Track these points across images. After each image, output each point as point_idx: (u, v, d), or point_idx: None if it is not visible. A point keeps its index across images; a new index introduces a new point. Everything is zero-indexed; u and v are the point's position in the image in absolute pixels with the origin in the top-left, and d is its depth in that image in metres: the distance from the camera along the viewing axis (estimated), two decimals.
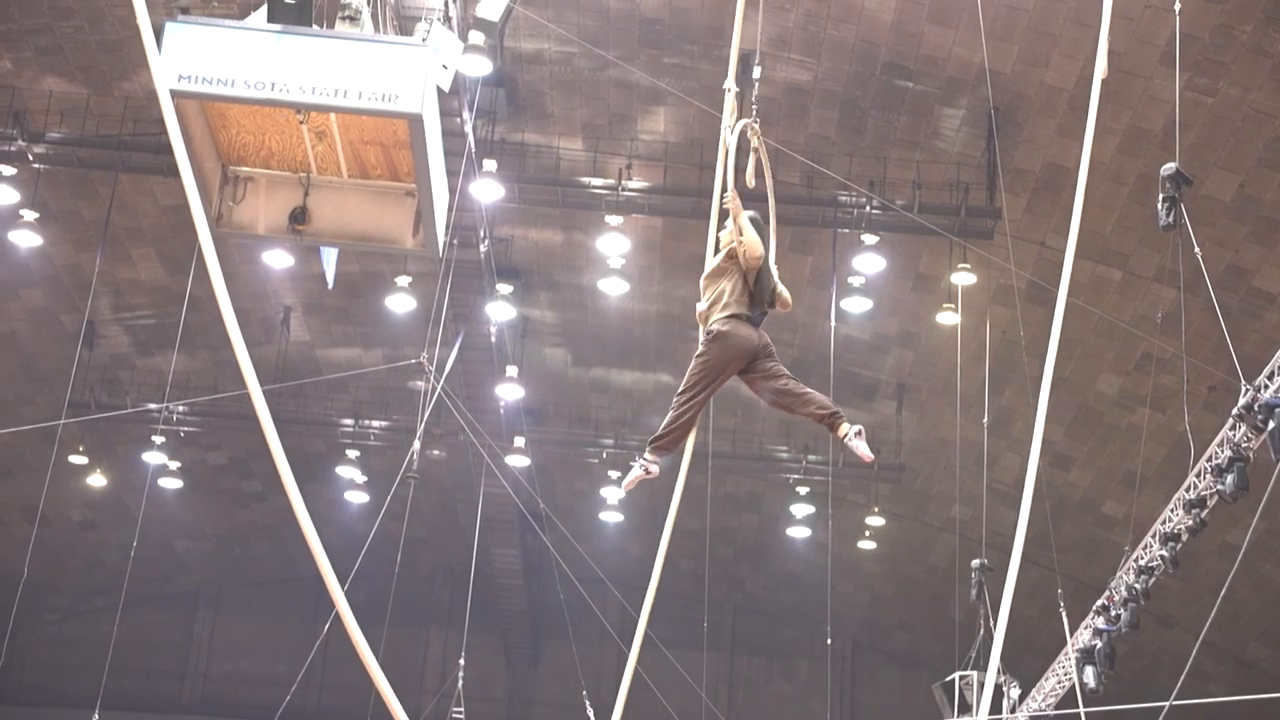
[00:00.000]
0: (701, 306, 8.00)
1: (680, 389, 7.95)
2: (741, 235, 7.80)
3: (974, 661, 21.64)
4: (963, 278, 22.43)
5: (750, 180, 8.41)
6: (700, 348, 7.94)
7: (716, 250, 8.04)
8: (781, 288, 8.09)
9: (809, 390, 7.91)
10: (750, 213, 7.97)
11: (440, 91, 12.38)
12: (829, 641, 26.33)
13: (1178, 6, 14.43)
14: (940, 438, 26.99)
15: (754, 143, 8.33)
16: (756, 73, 8.51)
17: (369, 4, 12.61)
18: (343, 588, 7.74)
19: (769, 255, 8.01)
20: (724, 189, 7.95)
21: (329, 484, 30.17)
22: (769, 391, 7.96)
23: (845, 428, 7.78)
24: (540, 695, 35.21)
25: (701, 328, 7.99)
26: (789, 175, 21.44)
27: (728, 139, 8.09)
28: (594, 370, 28.97)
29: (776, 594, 34.27)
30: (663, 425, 7.90)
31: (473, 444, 24.38)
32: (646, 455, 7.89)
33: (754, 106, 8.49)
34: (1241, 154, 20.16)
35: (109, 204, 23.43)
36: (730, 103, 8.27)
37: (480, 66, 18.26)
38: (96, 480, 29.69)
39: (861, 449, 7.73)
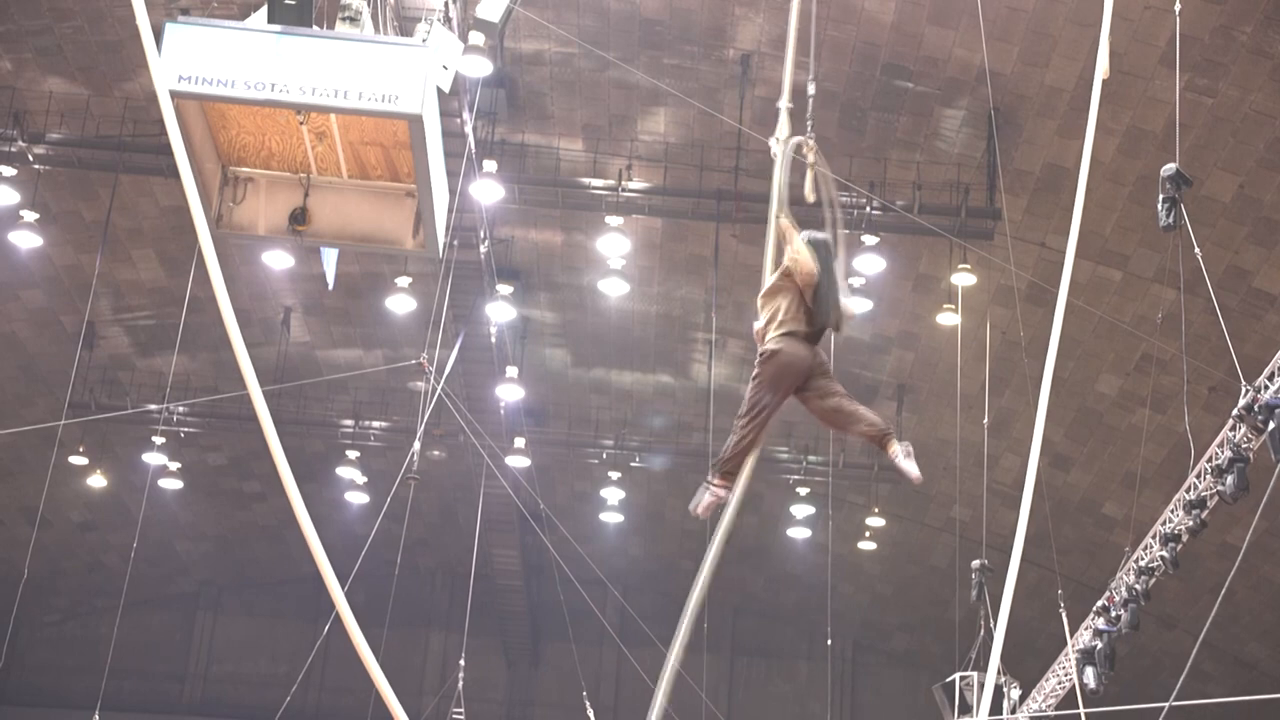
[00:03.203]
0: (758, 324, 7.75)
1: (740, 412, 7.64)
2: (797, 253, 7.63)
3: (974, 662, 21.63)
4: (963, 278, 22.43)
5: (810, 196, 8.34)
6: (755, 368, 7.66)
7: (775, 268, 7.82)
8: (846, 304, 7.88)
9: (859, 408, 7.70)
10: (814, 233, 7.91)
11: (440, 92, 12.36)
12: (829, 642, 26.33)
13: (1178, 7, 14.43)
14: (940, 438, 26.98)
15: (810, 159, 8.27)
16: (811, 89, 8.37)
17: (369, 5, 12.61)
18: (343, 588, 7.75)
19: (838, 273, 7.79)
20: (778, 207, 7.87)
21: (329, 485, 30.17)
22: (821, 410, 7.71)
23: (895, 447, 7.58)
24: (540, 696, 35.21)
25: (759, 346, 7.74)
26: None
27: (778, 154, 8.05)
28: (594, 371, 28.97)
29: (777, 595, 34.27)
30: (726, 450, 7.62)
31: (473, 445, 24.39)
32: (715, 481, 7.60)
33: (810, 122, 8.42)
34: (1241, 155, 20.16)
35: (109, 205, 23.44)
36: (783, 120, 8.16)
37: (480, 67, 18.25)
38: (96, 481, 29.69)
39: (910, 469, 7.54)
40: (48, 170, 22.65)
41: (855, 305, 7.92)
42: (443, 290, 21.36)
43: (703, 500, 7.63)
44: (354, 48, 11.41)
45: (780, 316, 7.67)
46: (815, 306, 7.67)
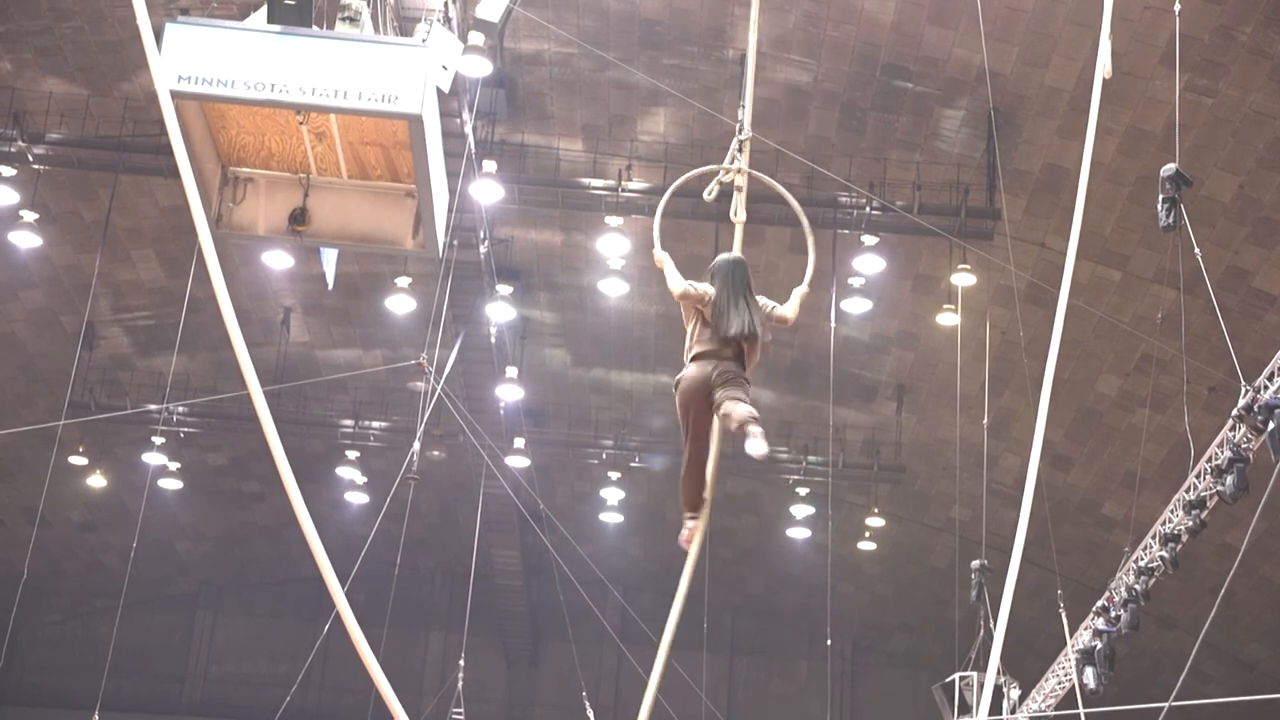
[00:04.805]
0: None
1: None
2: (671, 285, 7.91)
3: (974, 662, 21.63)
4: (962, 279, 22.44)
5: (735, 216, 8.47)
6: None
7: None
8: (778, 309, 8.03)
9: (734, 407, 7.45)
10: (731, 255, 8.08)
11: (440, 92, 12.36)
12: (829, 642, 26.33)
13: (1178, 7, 14.42)
14: (940, 439, 26.99)
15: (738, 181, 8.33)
16: (746, 117, 8.42)
17: (369, 5, 12.61)
18: (343, 588, 7.75)
19: (737, 286, 7.89)
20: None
21: (329, 485, 30.17)
22: (719, 421, 7.65)
23: (751, 429, 7.27)
24: (540, 696, 35.22)
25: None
26: (789, 176, 21.44)
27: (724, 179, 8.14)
28: (594, 371, 28.97)
29: (776, 595, 34.27)
30: (681, 483, 7.84)
31: (473, 445, 24.39)
32: (686, 516, 7.80)
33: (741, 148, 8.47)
34: (1241, 155, 20.16)
35: (109, 205, 23.44)
36: (738, 149, 8.21)
37: (480, 67, 18.26)
38: (96, 481, 29.69)
39: (754, 449, 7.11)
40: (47, 170, 22.65)
41: (782, 309, 7.89)
42: (443, 290, 21.36)
43: (685, 533, 7.78)
44: (354, 48, 11.40)
45: (688, 343, 7.84)
46: (715, 323, 7.79)
